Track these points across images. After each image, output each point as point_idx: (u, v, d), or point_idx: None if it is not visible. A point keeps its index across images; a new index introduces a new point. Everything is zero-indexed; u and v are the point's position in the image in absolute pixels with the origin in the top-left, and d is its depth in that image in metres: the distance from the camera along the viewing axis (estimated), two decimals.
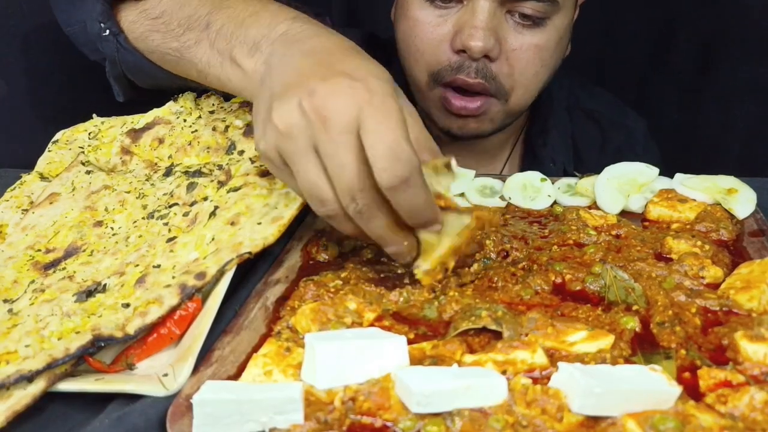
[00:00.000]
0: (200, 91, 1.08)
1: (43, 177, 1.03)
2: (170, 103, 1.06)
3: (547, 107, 1.43)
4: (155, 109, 1.06)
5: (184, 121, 1.03)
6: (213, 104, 1.07)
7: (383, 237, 0.76)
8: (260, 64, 0.83)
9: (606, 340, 0.69)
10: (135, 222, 0.90)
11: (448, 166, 0.76)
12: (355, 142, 0.70)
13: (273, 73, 0.78)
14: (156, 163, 1.00)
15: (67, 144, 1.08)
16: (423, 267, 0.79)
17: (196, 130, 1.01)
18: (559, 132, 1.42)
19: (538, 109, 1.43)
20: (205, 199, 0.89)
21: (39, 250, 0.89)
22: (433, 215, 0.75)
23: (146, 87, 1.07)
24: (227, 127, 1.00)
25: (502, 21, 1.17)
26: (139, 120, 1.06)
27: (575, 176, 1.07)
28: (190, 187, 0.92)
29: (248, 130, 0.98)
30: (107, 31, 1.01)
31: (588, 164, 1.26)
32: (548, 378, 0.64)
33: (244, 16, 0.87)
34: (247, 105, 1.03)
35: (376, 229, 0.75)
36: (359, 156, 0.70)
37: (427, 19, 1.20)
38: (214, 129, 1.00)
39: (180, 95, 1.07)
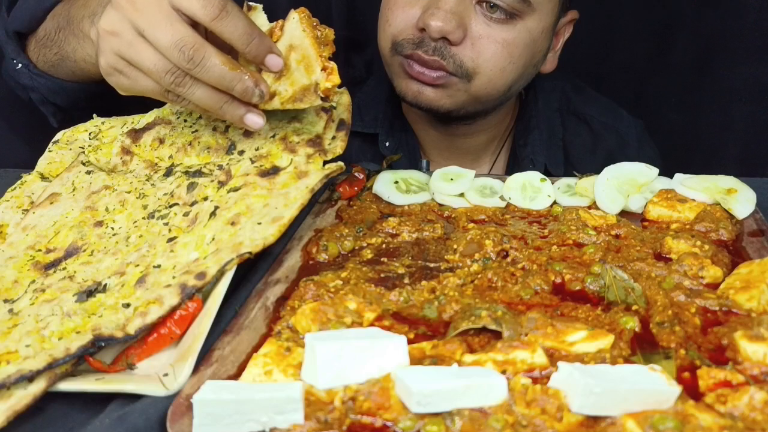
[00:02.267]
0: None
1: (43, 177, 1.03)
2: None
3: (530, 108, 1.43)
4: (156, 109, 1.06)
5: (185, 121, 1.03)
6: None
7: (223, 76, 0.83)
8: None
9: (606, 340, 0.69)
10: (135, 222, 0.90)
11: (249, 8, 0.92)
12: (168, 8, 0.82)
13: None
14: (156, 163, 1.00)
15: (68, 144, 1.08)
16: (304, 80, 0.88)
17: (196, 130, 1.01)
18: (542, 133, 1.42)
19: (523, 110, 1.44)
20: (206, 199, 0.90)
21: (39, 250, 0.89)
22: (261, 36, 0.86)
23: (68, 106, 1.21)
24: (227, 127, 1.00)
25: (470, 9, 1.18)
26: (140, 120, 1.06)
27: (575, 176, 1.07)
28: (191, 187, 0.92)
29: (248, 130, 0.98)
30: (20, 65, 1.19)
31: (579, 167, 1.26)
32: (548, 378, 0.64)
33: None
34: None
35: (214, 68, 0.83)
36: (175, 17, 0.82)
37: (401, 0, 1.21)
38: (214, 129, 1.00)
39: None
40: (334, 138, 0.96)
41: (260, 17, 0.93)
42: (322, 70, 0.88)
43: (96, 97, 1.17)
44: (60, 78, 1.18)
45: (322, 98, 0.88)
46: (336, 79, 0.88)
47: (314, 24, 0.90)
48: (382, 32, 1.26)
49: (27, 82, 1.20)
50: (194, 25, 0.84)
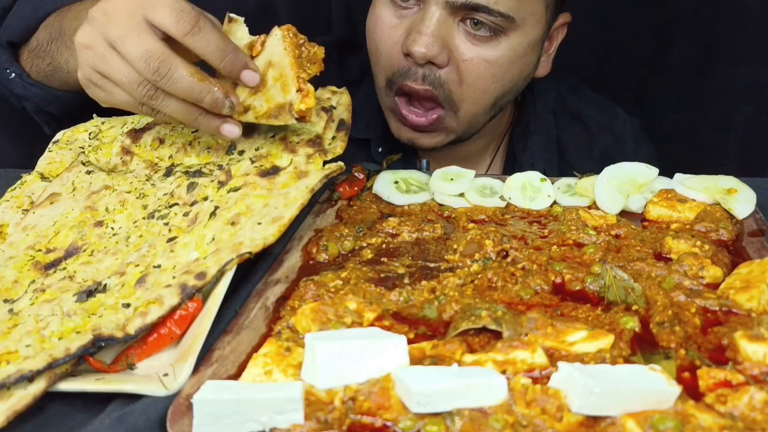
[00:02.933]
0: None
1: (43, 177, 1.03)
2: None
3: (528, 112, 1.43)
4: None
5: None
6: None
7: (192, 88, 0.84)
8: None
9: (606, 340, 0.69)
10: (135, 222, 0.90)
11: (230, 20, 0.93)
12: (140, 21, 0.84)
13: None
14: (156, 163, 1.00)
15: (68, 144, 1.08)
16: (286, 98, 0.88)
17: (196, 130, 1.01)
18: (541, 136, 1.42)
19: (521, 114, 1.43)
20: (206, 199, 0.90)
21: (39, 250, 0.89)
22: (236, 52, 0.87)
23: (61, 115, 1.22)
24: None
25: (454, 29, 1.16)
26: (140, 120, 1.06)
27: (574, 176, 1.07)
28: (191, 187, 0.92)
29: (248, 131, 0.98)
30: (13, 74, 1.20)
31: (574, 167, 1.25)
32: (548, 378, 0.64)
33: (80, 8, 1.09)
34: None
35: (182, 80, 0.84)
36: (145, 28, 0.84)
37: (387, 19, 1.20)
38: None
39: None
40: (334, 138, 0.96)
41: (241, 30, 0.93)
42: (297, 91, 0.88)
43: (88, 106, 1.14)
44: (53, 87, 1.20)
45: (296, 119, 0.88)
46: (311, 102, 0.88)
47: (301, 42, 0.90)
48: (375, 65, 1.26)
49: (20, 91, 1.21)
50: (168, 39, 0.85)
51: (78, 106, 1.19)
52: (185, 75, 0.83)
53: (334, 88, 1.03)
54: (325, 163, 0.93)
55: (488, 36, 1.16)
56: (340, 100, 1.00)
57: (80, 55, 0.89)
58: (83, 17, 0.98)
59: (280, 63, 0.89)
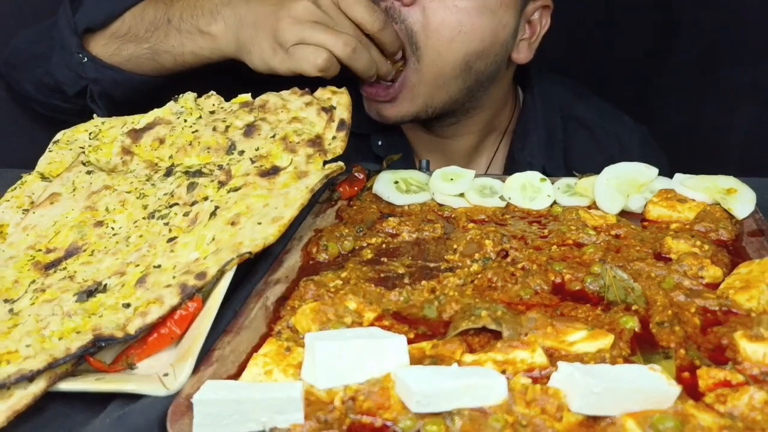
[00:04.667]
0: (200, 91, 1.09)
1: (43, 177, 1.03)
2: (171, 104, 1.06)
3: (529, 111, 1.42)
4: (156, 110, 1.06)
5: (185, 121, 1.03)
6: (213, 104, 1.07)
7: (375, 61, 1.13)
8: (225, 22, 1.16)
9: (605, 340, 0.69)
10: (135, 222, 0.90)
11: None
12: (341, 12, 1.10)
13: (247, 16, 1.14)
14: (156, 164, 1.00)
15: (68, 144, 1.08)
16: None
17: (196, 131, 1.01)
18: (540, 136, 1.41)
19: (522, 113, 1.43)
20: (206, 199, 0.90)
21: (40, 250, 0.89)
22: (401, 41, 1.18)
23: (123, 100, 1.27)
24: (227, 127, 1.00)
25: None
26: (140, 120, 1.06)
27: (575, 176, 1.07)
28: (191, 187, 0.92)
29: (248, 130, 0.98)
30: (86, 59, 1.25)
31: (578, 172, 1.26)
32: (548, 378, 0.64)
33: (193, 0, 1.20)
34: (247, 105, 1.03)
35: (374, 55, 1.13)
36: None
37: None
38: (214, 129, 1.00)
39: (180, 96, 1.07)
40: (334, 138, 0.96)
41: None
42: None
43: (152, 93, 1.22)
44: (129, 71, 1.26)
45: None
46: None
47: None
48: None
49: (92, 74, 1.26)
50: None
51: (145, 90, 1.27)
52: (376, 54, 1.14)
53: (334, 88, 1.03)
54: (325, 163, 0.93)
55: None
56: (340, 100, 1.01)
57: (285, 30, 1.08)
58: (195, 3, 1.18)
59: None
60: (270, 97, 1.03)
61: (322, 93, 1.02)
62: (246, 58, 1.15)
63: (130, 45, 1.24)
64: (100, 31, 1.27)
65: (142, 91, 1.28)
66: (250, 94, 1.05)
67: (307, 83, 1.05)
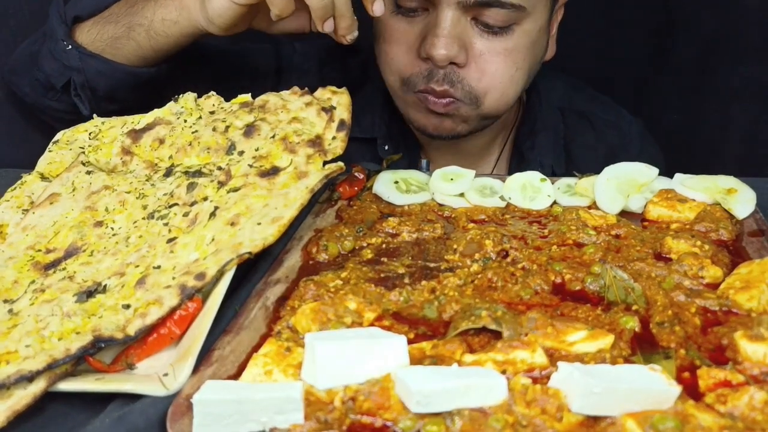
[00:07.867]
0: (200, 91, 1.09)
1: (43, 177, 1.03)
2: (171, 104, 1.06)
3: (535, 110, 1.43)
4: (156, 110, 1.06)
5: (185, 121, 1.03)
6: (213, 105, 1.07)
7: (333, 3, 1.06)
8: None
9: (606, 340, 0.69)
10: (135, 222, 0.90)
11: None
12: None
13: None
14: (156, 164, 1.00)
15: (68, 144, 1.08)
16: None
17: (196, 131, 1.01)
18: (548, 134, 1.42)
19: (527, 111, 1.44)
20: (205, 199, 0.90)
21: (39, 251, 0.89)
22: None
23: (106, 93, 1.25)
24: (227, 127, 1.00)
25: (468, 28, 1.18)
26: (140, 120, 1.06)
27: (574, 176, 1.07)
28: (190, 187, 0.92)
29: (248, 131, 0.98)
30: (69, 46, 1.22)
31: (580, 165, 1.26)
32: (548, 378, 0.64)
33: None
34: (246, 105, 1.03)
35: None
36: None
37: (396, 25, 1.22)
38: (214, 129, 1.00)
39: (180, 96, 1.07)
40: (334, 138, 0.96)
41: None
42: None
43: (137, 87, 1.23)
44: (112, 58, 1.23)
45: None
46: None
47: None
48: (387, 70, 1.27)
49: (75, 63, 1.23)
50: None
51: (131, 83, 1.24)
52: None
53: (334, 88, 1.03)
54: (325, 163, 0.93)
55: (502, 28, 1.18)
56: (341, 100, 1.00)
57: None
58: None
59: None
60: (270, 98, 1.03)
61: (322, 93, 1.02)
62: (208, 14, 1.11)
63: (109, 26, 1.23)
64: (88, 19, 1.26)
65: (124, 85, 1.25)
66: (250, 94, 1.05)
67: (308, 83, 1.05)
